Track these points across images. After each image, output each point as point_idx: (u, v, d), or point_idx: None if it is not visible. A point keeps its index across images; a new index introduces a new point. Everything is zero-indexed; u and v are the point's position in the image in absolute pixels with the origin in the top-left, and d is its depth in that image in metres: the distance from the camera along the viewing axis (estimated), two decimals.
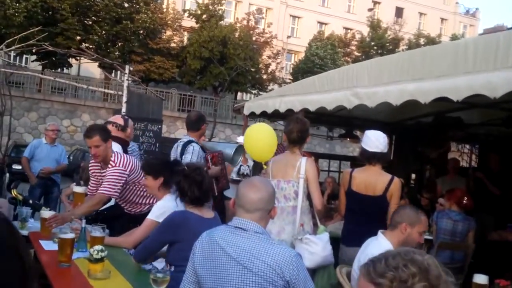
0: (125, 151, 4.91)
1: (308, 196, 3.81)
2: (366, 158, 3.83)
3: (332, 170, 9.60)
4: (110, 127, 4.67)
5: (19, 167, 16.50)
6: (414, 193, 7.36)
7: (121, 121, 4.93)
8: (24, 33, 7.84)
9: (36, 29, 8.70)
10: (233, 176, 6.55)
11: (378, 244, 2.85)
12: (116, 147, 4.59)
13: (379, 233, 2.98)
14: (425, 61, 4.17)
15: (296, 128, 3.86)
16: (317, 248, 3.51)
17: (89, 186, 4.33)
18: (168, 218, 2.96)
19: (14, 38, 7.62)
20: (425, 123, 7.43)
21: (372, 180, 3.76)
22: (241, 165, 6.63)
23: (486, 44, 3.49)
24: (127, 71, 6.92)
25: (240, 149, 6.39)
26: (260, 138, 3.87)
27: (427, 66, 4.13)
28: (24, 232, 3.83)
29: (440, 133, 7.23)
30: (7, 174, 8.03)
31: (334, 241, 4.13)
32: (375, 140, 3.78)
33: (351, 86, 5.06)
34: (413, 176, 8.66)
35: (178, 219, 2.92)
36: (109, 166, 3.97)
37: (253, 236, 2.13)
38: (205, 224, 2.88)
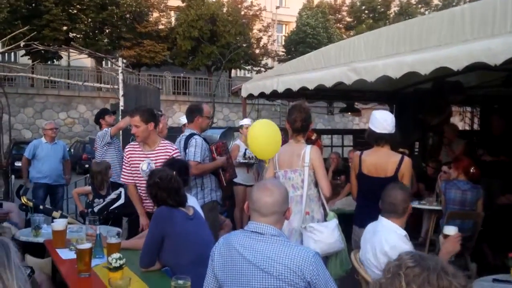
0: None
1: (316, 184, 3.80)
2: (374, 140, 3.80)
3: (335, 145, 9.61)
4: None
5: (21, 164, 16.70)
6: (419, 161, 7.36)
7: None
8: (13, 34, 7.67)
9: (23, 29, 8.52)
10: (239, 159, 6.55)
11: (387, 228, 2.87)
12: None
13: (382, 218, 2.98)
14: (422, 31, 4.11)
15: (300, 117, 3.82)
16: (322, 236, 3.52)
17: (122, 173, 4.36)
18: (155, 214, 3.02)
19: (3, 39, 7.51)
20: (424, 89, 7.38)
21: (382, 162, 3.73)
22: (246, 149, 6.62)
23: (483, 10, 3.43)
24: (120, 63, 6.82)
25: (227, 133, 6.34)
26: (263, 138, 3.78)
27: (425, 36, 4.07)
28: (40, 240, 3.87)
29: (440, 99, 7.18)
30: (13, 177, 8.04)
31: (344, 218, 4.17)
32: (382, 121, 3.74)
33: (348, 61, 5.00)
34: (416, 144, 8.64)
35: (164, 213, 2.97)
36: (166, 148, 4.14)
37: (270, 239, 2.12)
38: (188, 220, 2.98)
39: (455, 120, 9.06)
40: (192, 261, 2.76)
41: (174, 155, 4.10)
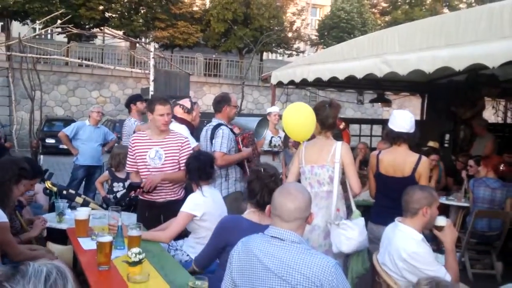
0: (191, 133, 5.00)
1: (341, 181, 3.75)
2: (392, 138, 3.74)
3: (363, 134, 9.49)
4: (177, 108, 4.76)
5: (53, 141, 17.00)
6: (449, 154, 7.21)
7: (188, 104, 4.96)
8: (51, 15, 7.78)
9: (60, 11, 8.69)
10: (265, 147, 6.53)
11: (403, 234, 2.82)
12: (183, 129, 4.65)
13: (398, 222, 2.91)
14: (459, 25, 4.01)
15: (332, 113, 3.76)
16: (354, 233, 3.47)
17: (127, 162, 4.28)
18: (220, 223, 2.94)
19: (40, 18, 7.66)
20: (458, 81, 7.20)
21: (399, 162, 3.67)
22: (272, 137, 6.61)
23: None
24: (152, 49, 6.86)
25: (263, 122, 6.36)
26: (299, 119, 3.70)
27: (461, 31, 3.97)
28: (63, 226, 3.90)
29: (474, 92, 6.99)
30: (41, 157, 8.21)
31: (369, 210, 4.13)
32: (401, 120, 3.67)
33: (381, 53, 4.92)
34: (447, 137, 8.45)
35: (229, 223, 2.88)
36: (177, 137, 4.12)
37: (290, 246, 2.06)
38: (258, 230, 2.84)
39: (489, 112, 8.79)
40: None
41: (185, 145, 4.11)
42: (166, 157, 4.06)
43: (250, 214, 2.90)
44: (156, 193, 4.05)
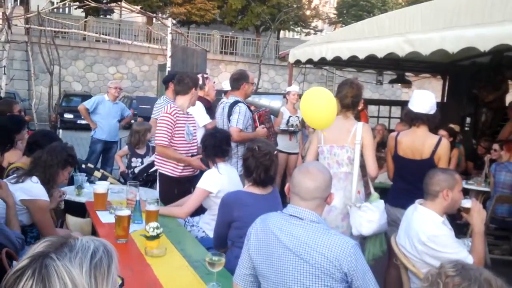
0: (208, 110, 5.01)
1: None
2: (410, 119, 3.63)
3: (382, 116, 9.34)
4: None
5: (71, 116, 17.14)
6: (469, 138, 7.07)
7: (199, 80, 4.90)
8: None
9: None
10: (282, 126, 6.48)
11: (423, 217, 2.75)
12: (199, 105, 4.65)
13: (418, 205, 2.84)
14: (485, 5, 3.90)
15: (351, 93, 3.66)
16: (375, 216, 3.41)
17: (164, 135, 4.02)
18: (221, 201, 2.99)
19: None
20: (482, 63, 7.02)
21: (418, 144, 3.57)
22: (290, 116, 6.54)
23: None
24: (169, 24, 6.78)
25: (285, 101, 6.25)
26: (319, 106, 3.46)
27: (488, 10, 3.87)
28: (82, 199, 3.91)
29: (497, 74, 6.82)
30: (60, 131, 8.26)
31: (386, 193, 4.07)
32: (421, 101, 3.56)
33: (403, 31, 4.82)
34: (468, 120, 8.28)
35: (230, 200, 2.92)
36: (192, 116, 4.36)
37: (309, 225, 2.04)
38: (260, 200, 2.89)
39: (511, 96, 8.60)
40: None
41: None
42: (194, 133, 4.22)
43: (250, 188, 2.98)
44: (182, 168, 4.13)
